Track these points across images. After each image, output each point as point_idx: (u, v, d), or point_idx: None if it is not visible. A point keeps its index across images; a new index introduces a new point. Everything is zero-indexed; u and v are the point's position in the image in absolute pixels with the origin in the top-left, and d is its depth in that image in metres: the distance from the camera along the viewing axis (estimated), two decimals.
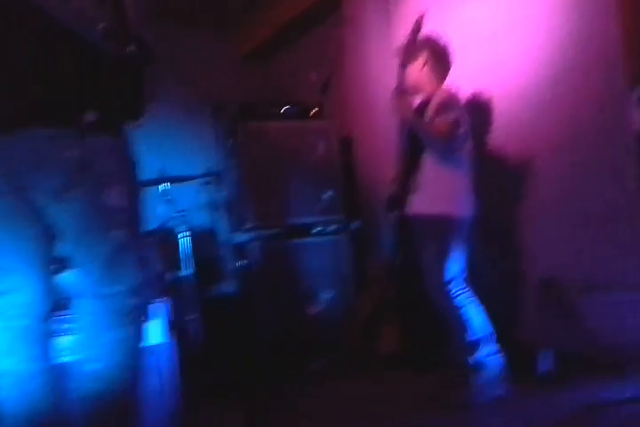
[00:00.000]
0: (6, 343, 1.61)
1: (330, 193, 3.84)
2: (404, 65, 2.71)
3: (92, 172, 1.54)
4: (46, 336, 1.68)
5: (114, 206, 1.57)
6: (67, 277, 1.94)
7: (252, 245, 3.67)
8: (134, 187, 1.65)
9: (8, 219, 1.58)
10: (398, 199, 2.79)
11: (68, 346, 2.00)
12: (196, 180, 3.71)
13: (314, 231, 3.80)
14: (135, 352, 1.63)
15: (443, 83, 2.81)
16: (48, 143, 1.50)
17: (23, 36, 1.53)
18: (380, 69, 3.82)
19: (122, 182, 1.60)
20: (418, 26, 2.65)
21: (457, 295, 2.64)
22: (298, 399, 2.85)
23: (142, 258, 1.65)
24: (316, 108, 3.98)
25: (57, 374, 1.66)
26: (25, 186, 1.55)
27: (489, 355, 2.64)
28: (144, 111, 1.64)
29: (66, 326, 2.03)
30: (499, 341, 2.68)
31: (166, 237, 3.52)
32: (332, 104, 4.05)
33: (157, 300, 2.46)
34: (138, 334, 1.64)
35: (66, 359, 1.93)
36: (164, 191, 3.44)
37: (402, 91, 2.69)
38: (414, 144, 2.70)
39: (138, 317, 1.64)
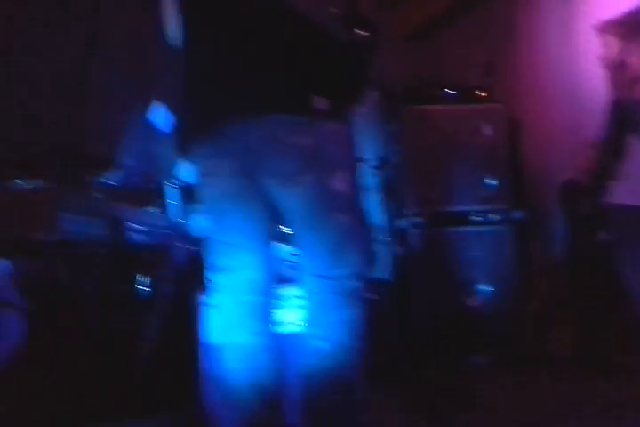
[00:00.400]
0: (235, 318, 1.67)
1: (494, 180, 3.67)
2: (624, 39, 2.47)
3: (320, 158, 1.56)
4: (271, 312, 1.72)
5: (340, 191, 1.59)
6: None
7: (412, 232, 3.59)
8: (356, 172, 1.65)
9: (239, 199, 1.64)
10: (594, 187, 2.58)
11: (291, 320, 2.02)
12: (361, 163, 3.67)
13: (475, 220, 3.66)
14: (358, 334, 1.64)
15: None
16: (282, 130, 1.52)
17: (257, 23, 1.54)
18: (557, 49, 3.58)
19: (347, 168, 1.62)
20: None
21: None
22: (475, 393, 2.75)
23: (365, 242, 1.65)
24: (483, 91, 3.80)
25: (281, 349, 1.72)
26: (256, 169, 1.60)
27: None
28: (365, 97, 1.61)
29: (287, 300, 2.05)
30: None
31: None
32: (498, 86, 3.85)
33: None
34: (361, 317, 1.65)
35: (288, 332, 1.97)
36: None
37: (617, 66, 2.46)
38: (621, 127, 2.48)
39: (361, 299, 1.65)
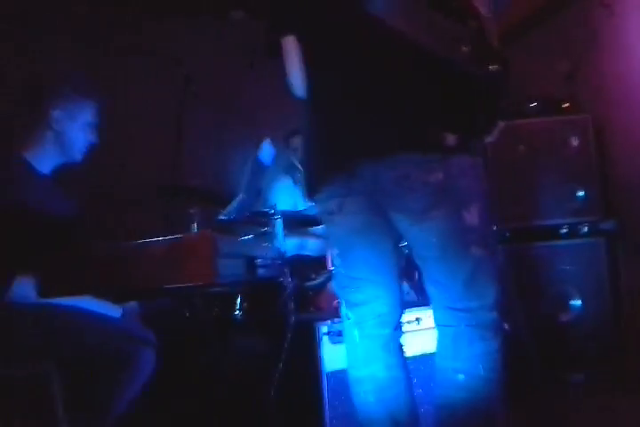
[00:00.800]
0: (366, 351, 1.73)
1: (583, 191, 3.61)
2: None
3: (453, 192, 1.59)
4: (401, 344, 1.74)
5: (473, 224, 1.61)
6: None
7: (501, 248, 3.56)
8: (487, 204, 1.65)
9: (368, 235, 1.71)
10: None
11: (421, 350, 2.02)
12: None
13: (564, 233, 3.60)
14: (494, 366, 1.65)
15: None
16: (414, 169, 1.55)
17: (388, 62, 1.56)
18: None
19: (479, 200, 1.63)
20: None
21: None
22: (572, 412, 2.72)
23: (499, 273, 1.65)
24: (567, 103, 3.74)
25: (412, 381, 1.77)
26: (387, 206, 1.65)
27: None
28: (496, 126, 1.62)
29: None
30: None
31: None
32: (581, 96, 3.78)
33: None
34: (497, 348, 1.66)
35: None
36: None
37: None
38: None
39: (497, 331, 1.66)
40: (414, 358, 2.18)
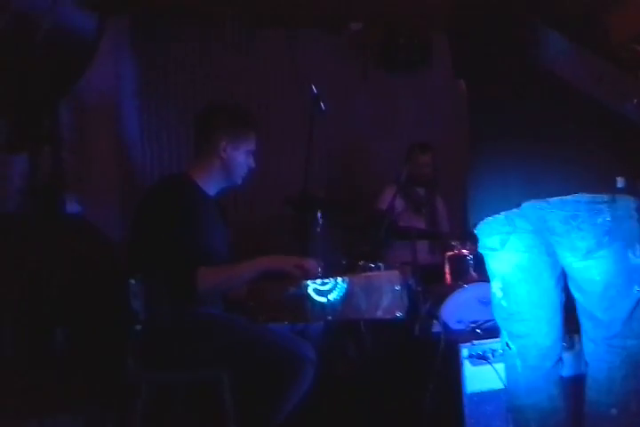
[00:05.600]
0: (529, 381, 1.80)
1: None
2: None
3: (619, 233, 1.63)
4: (561, 376, 1.83)
5: (636, 264, 1.65)
6: None
7: None
8: None
9: (531, 272, 1.77)
10: None
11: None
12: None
13: None
14: None
15: None
16: (583, 209, 1.61)
17: (558, 106, 1.63)
18: None
19: None
20: None
21: None
22: None
23: None
24: None
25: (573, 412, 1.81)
26: (553, 245, 1.71)
27: None
28: None
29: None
30: None
31: None
32: None
33: None
34: None
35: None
36: None
37: None
38: None
39: None
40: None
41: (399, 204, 3.59)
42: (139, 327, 2.00)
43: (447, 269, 3.12)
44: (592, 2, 1.68)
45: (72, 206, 3.24)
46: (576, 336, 2.10)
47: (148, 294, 2.02)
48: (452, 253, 3.14)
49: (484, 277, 2.09)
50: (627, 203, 1.64)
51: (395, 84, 4.61)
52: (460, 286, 2.83)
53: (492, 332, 2.24)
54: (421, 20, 4.21)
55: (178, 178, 2.34)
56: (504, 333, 1.85)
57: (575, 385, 1.92)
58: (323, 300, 2.08)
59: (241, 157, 2.31)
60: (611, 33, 1.74)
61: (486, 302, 2.16)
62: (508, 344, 1.84)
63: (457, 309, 2.74)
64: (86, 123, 3.68)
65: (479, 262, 2.12)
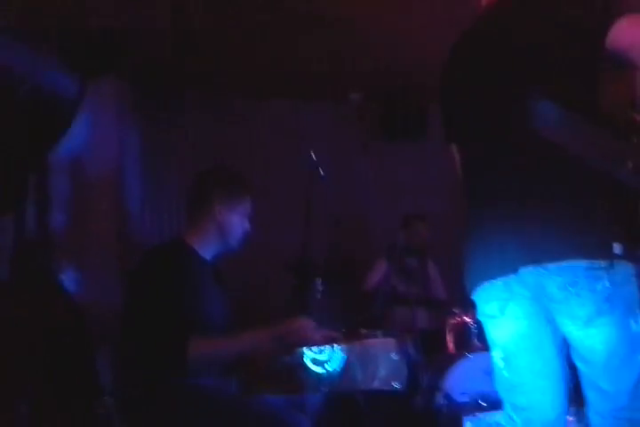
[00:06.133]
0: None
1: None
2: None
3: (619, 300, 1.58)
4: None
5: (638, 332, 1.58)
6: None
7: None
8: None
9: (530, 340, 1.70)
10: None
11: None
12: None
13: None
14: None
15: None
16: (581, 276, 1.56)
17: (553, 170, 1.62)
18: None
19: None
20: None
21: None
22: None
23: None
24: None
25: None
26: (551, 312, 1.65)
27: None
28: None
29: None
30: None
31: None
32: None
33: None
34: None
35: None
36: None
37: None
38: None
39: None
40: None
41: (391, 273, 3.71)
42: (107, 399, 1.93)
43: (449, 338, 3.05)
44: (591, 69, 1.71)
45: (64, 275, 3.19)
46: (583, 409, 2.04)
47: (128, 363, 1.96)
48: (454, 320, 3.08)
49: (487, 346, 2.04)
50: (625, 269, 1.60)
51: (394, 153, 4.69)
52: (464, 356, 2.76)
53: (497, 404, 2.16)
54: (419, 91, 4.33)
55: (173, 243, 2.32)
56: (507, 405, 1.76)
57: None
58: (320, 370, 2.02)
59: (236, 219, 2.29)
60: (607, 99, 1.77)
61: (492, 372, 2.11)
62: (511, 417, 1.75)
63: (461, 380, 2.66)
64: (87, 191, 3.71)
65: (482, 331, 2.08)
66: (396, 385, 1.95)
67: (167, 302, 2.06)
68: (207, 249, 2.28)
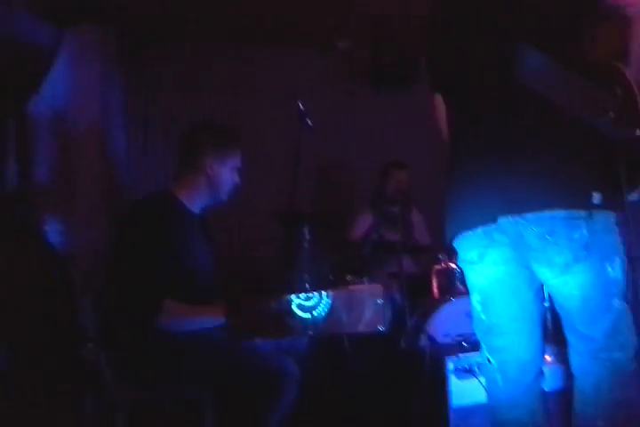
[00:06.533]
0: (509, 396, 1.78)
1: None
2: None
3: (597, 248, 1.63)
4: (542, 390, 1.81)
5: (616, 277, 1.65)
6: None
7: None
8: (624, 257, 1.70)
9: (511, 283, 1.76)
10: None
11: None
12: None
13: None
14: (633, 415, 1.67)
15: None
16: (559, 225, 1.60)
17: (533, 121, 1.64)
18: None
19: (620, 254, 1.67)
20: None
21: None
22: None
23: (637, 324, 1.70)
24: None
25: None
26: (529, 259, 1.70)
27: None
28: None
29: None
30: None
31: None
32: None
33: None
34: (636, 399, 1.68)
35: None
36: None
37: None
38: None
39: (636, 382, 1.68)
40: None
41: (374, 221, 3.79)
42: (90, 345, 1.98)
43: (435, 283, 3.13)
44: (581, 16, 1.69)
45: (49, 227, 3.19)
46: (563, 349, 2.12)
47: (112, 310, 2.00)
48: (439, 266, 3.15)
49: None
50: (605, 217, 1.64)
51: (381, 101, 4.65)
52: (448, 300, 2.84)
53: (478, 345, 2.24)
54: (408, 38, 4.26)
55: (160, 195, 2.32)
56: (484, 347, 1.83)
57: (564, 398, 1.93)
58: (306, 316, 2.07)
59: (227, 173, 2.31)
60: (593, 48, 1.76)
61: None
62: (488, 359, 1.82)
63: (444, 322, 2.75)
64: (72, 142, 3.68)
65: None
66: (380, 328, 2.01)
67: (151, 253, 2.09)
68: (195, 202, 2.31)
